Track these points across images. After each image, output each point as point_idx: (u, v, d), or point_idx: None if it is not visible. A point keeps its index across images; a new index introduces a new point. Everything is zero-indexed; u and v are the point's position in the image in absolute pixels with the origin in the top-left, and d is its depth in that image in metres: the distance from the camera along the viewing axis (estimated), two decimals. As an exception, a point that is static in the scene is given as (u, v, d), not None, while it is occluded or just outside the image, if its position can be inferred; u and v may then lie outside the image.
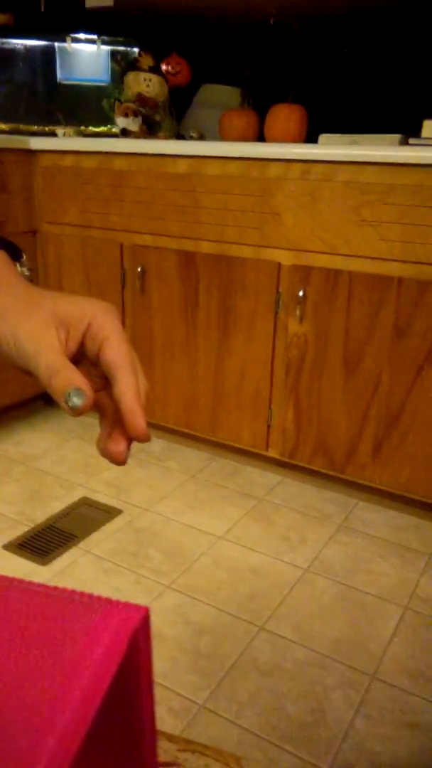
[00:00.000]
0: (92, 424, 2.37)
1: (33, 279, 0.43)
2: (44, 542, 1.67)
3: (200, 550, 1.65)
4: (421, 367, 1.64)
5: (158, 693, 1.21)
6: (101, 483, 1.97)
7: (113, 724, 0.25)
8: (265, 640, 1.36)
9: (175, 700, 1.20)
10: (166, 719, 1.15)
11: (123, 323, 2.29)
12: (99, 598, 0.24)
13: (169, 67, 2.31)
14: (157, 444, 2.22)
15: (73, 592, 0.25)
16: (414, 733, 1.16)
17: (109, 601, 0.24)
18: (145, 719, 0.25)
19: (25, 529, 1.73)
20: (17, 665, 0.22)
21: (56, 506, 1.84)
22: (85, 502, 1.86)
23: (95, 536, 1.70)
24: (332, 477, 1.93)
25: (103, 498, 1.89)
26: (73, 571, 1.56)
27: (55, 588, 0.24)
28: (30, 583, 0.26)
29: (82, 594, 0.24)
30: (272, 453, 1.96)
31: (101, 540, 1.69)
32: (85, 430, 2.33)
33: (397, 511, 1.86)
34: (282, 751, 1.11)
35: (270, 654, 1.33)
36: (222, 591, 1.50)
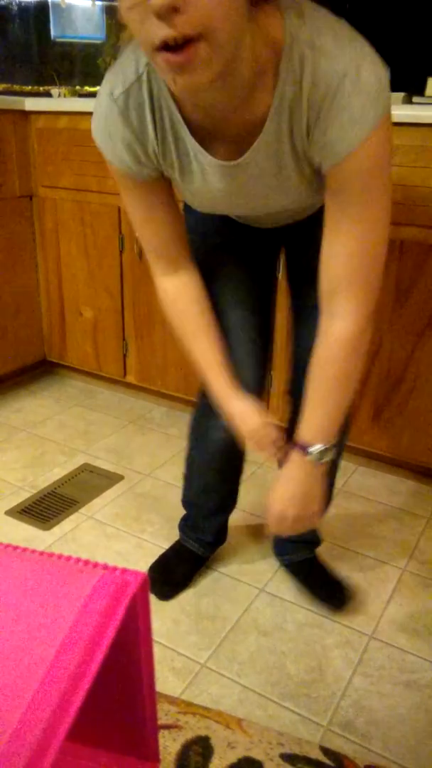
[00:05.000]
0: (92, 391, 2.37)
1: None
2: (46, 508, 1.68)
3: (201, 514, 1.66)
4: (422, 332, 1.62)
5: (161, 653, 1.23)
6: (102, 449, 1.98)
7: (112, 689, 0.25)
8: (266, 601, 1.38)
9: (177, 660, 1.22)
10: (168, 679, 1.17)
11: (121, 289, 2.25)
12: (96, 564, 0.24)
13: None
14: (158, 411, 2.23)
15: (70, 558, 0.24)
16: (411, 690, 1.18)
17: (106, 566, 0.24)
18: (145, 683, 0.26)
19: (27, 495, 1.74)
20: (14, 632, 0.22)
21: (58, 472, 1.85)
22: (87, 468, 1.87)
23: (97, 501, 1.71)
24: (332, 442, 1.93)
25: (105, 464, 1.90)
26: (75, 536, 1.58)
27: (52, 555, 0.24)
28: (27, 550, 0.26)
29: (79, 560, 0.24)
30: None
31: (103, 505, 1.70)
32: (86, 396, 2.33)
33: (396, 476, 1.87)
34: (282, 708, 1.14)
35: (270, 615, 1.35)
36: (222, 554, 1.52)
